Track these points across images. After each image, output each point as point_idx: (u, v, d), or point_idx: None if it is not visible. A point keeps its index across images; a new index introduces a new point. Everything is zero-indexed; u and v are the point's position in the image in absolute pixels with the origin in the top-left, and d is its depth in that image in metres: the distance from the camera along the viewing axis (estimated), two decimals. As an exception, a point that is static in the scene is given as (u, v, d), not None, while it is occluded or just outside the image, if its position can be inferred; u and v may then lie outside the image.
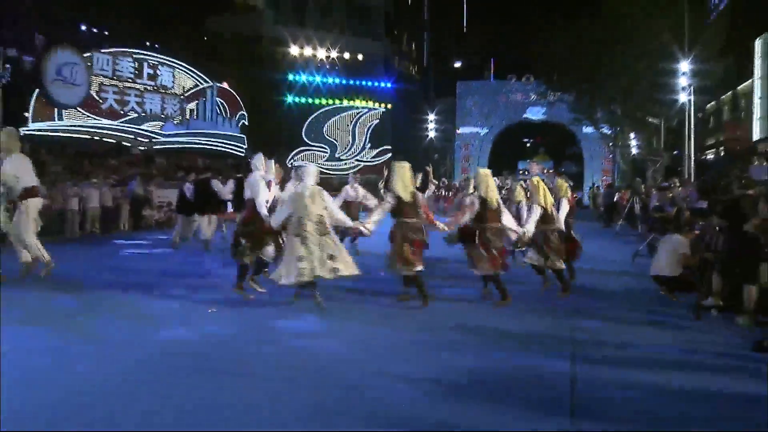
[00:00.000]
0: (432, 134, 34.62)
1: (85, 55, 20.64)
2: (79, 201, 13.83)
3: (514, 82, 35.53)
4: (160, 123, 23.74)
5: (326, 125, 31.51)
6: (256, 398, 3.68)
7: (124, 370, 4.17)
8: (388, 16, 35.02)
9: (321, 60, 30.80)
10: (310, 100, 30.99)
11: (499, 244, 6.31)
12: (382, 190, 8.14)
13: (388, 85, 32.48)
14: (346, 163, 31.77)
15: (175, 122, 24.29)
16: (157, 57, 23.57)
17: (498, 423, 3.38)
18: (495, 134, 36.07)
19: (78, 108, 20.77)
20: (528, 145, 44.98)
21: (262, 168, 6.52)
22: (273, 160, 7.18)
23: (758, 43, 20.55)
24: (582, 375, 4.15)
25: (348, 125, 32.01)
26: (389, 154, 31.78)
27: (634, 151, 28.44)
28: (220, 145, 25.82)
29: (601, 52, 22.49)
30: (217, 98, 25.83)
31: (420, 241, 6.18)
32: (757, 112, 20.91)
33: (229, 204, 10.81)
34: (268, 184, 6.61)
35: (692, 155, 18.92)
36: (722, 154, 24.79)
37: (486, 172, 6.59)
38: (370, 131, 32.29)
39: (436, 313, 5.97)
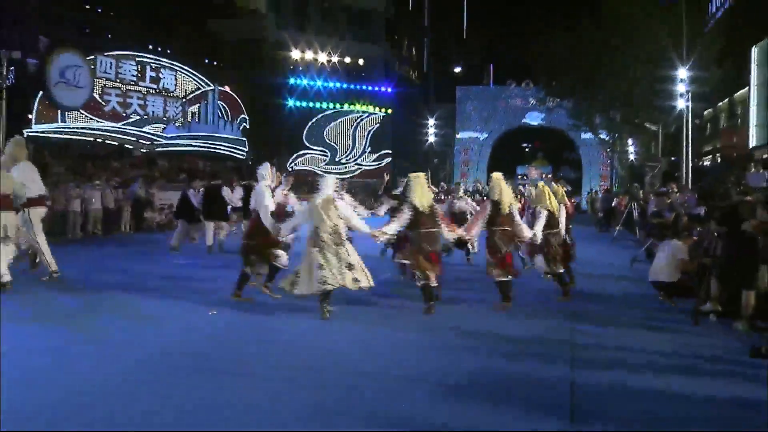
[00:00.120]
0: (432, 139, 34.73)
1: (88, 57, 20.75)
2: (81, 202, 13.89)
3: (514, 88, 35.69)
4: (162, 126, 23.81)
5: (327, 129, 31.59)
6: (257, 398, 3.71)
7: (124, 370, 4.19)
8: (388, 21, 35.17)
9: (322, 64, 30.91)
10: (311, 104, 31.08)
11: (507, 248, 6.38)
12: (382, 197, 8.20)
13: (389, 89, 32.58)
14: (346, 167, 31.85)
15: (176, 125, 24.37)
16: (159, 60, 23.67)
17: (498, 424, 3.41)
18: (494, 139, 36.19)
19: (81, 110, 20.86)
20: (527, 150, 45.13)
21: (269, 177, 6.54)
22: (269, 165, 7.28)
23: (755, 51, 20.73)
24: (581, 378, 4.19)
25: (348, 129, 32.10)
26: (389, 159, 31.89)
27: (632, 156, 28.61)
28: (221, 148, 25.89)
29: (600, 53, 22.64)
30: (219, 101, 25.92)
31: (437, 252, 6.23)
32: (753, 120, 21.08)
33: (230, 209, 10.92)
34: (273, 190, 6.70)
35: (689, 161, 19.06)
36: (719, 160, 24.95)
37: (499, 176, 6.66)
38: (370, 135, 32.37)
39: (437, 315, 6.02)
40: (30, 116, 19.31)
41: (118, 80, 22.15)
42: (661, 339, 5.40)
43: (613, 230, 16.05)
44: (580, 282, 7.87)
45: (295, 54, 30.15)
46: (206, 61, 26.44)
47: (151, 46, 23.75)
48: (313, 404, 3.63)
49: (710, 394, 4.00)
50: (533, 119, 35.36)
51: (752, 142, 21.09)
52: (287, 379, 4.12)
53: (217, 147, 25.76)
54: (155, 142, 23.37)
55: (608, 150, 30.08)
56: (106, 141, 21.78)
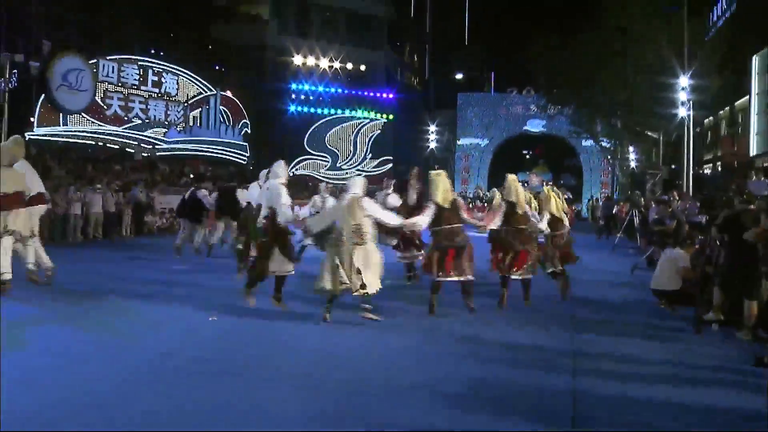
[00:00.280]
0: (433, 145, 34.78)
1: (90, 61, 20.79)
2: (82, 206, 13.89)
3: (515, 95, 35.77)
4: (164, 130, 23.85)
5: (328, 135, 31.64)
6: (256, 403, 3.71)
7: (124, 372, 4.20)
8: (390, 27, 35.28)
9: (324, 70, 31.00)
10: (312, 110, 31.15)
11: (520, 247, 6.62)
12: (382, 203, 8.23)
13: (390, 95, 32.65)
14: (347, 173, 31.85)
15: (178, 129, 24.41)
16: (161, 64, 23.74)
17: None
18: (495, 146, 36.23)
19: (83, 114, 20.89)
20: (528, 157, 45.18)
21: (284, 176, 6.44)
22: (267, 171, 7.32)
23: (755, 60, 20.79)
24: (583, 387, 4.18)
25: (350, 135, 32.15)
26: (390, 165, 31.90)
27: (632, 164, 28.64)
28: (222, 152, 25.93)
29: (601, 60, 22.72)
30: (221, 106, 25.97)
31: (457, 248, 6.20)
32: (754, 128, 21.11)
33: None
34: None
35: (690, 169, 19.06)
36: (719, 168, 24.97)
37: (514, 177, 6.96)
38: (371, 141, 32.43)
39: (438, 322, 6.01)
40: (32, 119, 19.35)
41: (120, 84, 22.20)
42: (662, 348, 5.39)
43: (613, 238, 16.03)
44: (582, 289, 7.87)
45: (297, 59, 30.25)
46: (208, 66, 26.53)
47: (153, 51, 23.84)
48: (312, 410, 3.63)
49: (712, 403, 3.98)
50: (534, 126, 35.41)
51: (753, 151, 21.12)
52: (287, 383, 4.11)
53: (219, 151, 25.79)
54: (156, 146, 23.41)
55: (609, 157, 30.11)
56: (108, 144, 21.81)
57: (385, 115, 32.45)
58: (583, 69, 23.74)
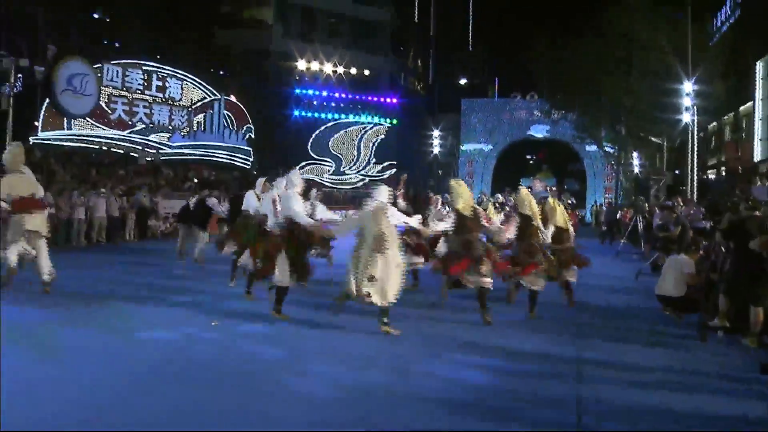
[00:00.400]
0: (436, 150, 34.79)
1: (95, 66, 20.93)
2: (85, 210, 13.94)
3: (519, 100, 35.79)
4: (168, 134, 23.94)
5: (332, 140, 31.70)
6: (257, 407, 3.71)
7: (125, 375, 4.20)
8: (394, 32, 35.41)
9: (327, 75, 31.10)
10: (316, 115, 31.23)
11: (533, 259, 6.64)
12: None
13: (394, 100, 32.71)
14: (350, 178, 31.94)
15: (182, 134, 24.50)
16: (166, 69, 23.85)
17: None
18: (499, 151, 36.23)
19: (87, 118, 21.00)
20: (531, 162, 45.15)
21: (300, 185, 6.36)
22: (263, 179, 7.50)
23: (759, 66, 20.75)
24: (588, 394, 4.15)
25: (353, 140, 32.20)
26: (394, 170, 31.92)
27: (636, 169, 28.58)
28: (226, 157, 26.00)
29: (605, 66, 22.71)
30: (225, 111, 26.06)
31: (473, 257, 6.18)
32: (758, 134, 21.04)
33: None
34: (273, 201, 6.59)
35: (695, 175, 19.00)
36: (724, 174, 24.88)
37: (527, 191, 7.04)
38: (375, 146, 32.47)
39: (442, 330, 5.99)
40: (36, 123, 19.46)
41: (124, 89, 22.32)
42: (667, 355, 5.35)
43: (616, 243, 15.97)
44: (586, 295, 7.85)
45: (301, 64, 30.37)
46: (212, 70, 26.64)
47: (158, 56, 23.96)
48: (314, 415, 3.62)
49: (717, 410, 3.96)
50: (538, 131, 35.40)
51: (757, 156, 21.04)
52: (288, 389, 4.11)
53: (223, 156, 25.87)
54: (160, 151, 23.49)
55: (613, 162, 30.06)
56: (112, 149, 21.91)
57: (388, 120, 32.51)
58: (586, 74, 23.74)
